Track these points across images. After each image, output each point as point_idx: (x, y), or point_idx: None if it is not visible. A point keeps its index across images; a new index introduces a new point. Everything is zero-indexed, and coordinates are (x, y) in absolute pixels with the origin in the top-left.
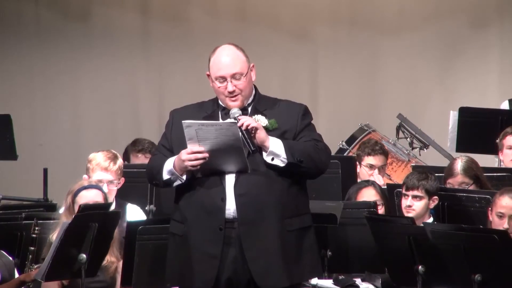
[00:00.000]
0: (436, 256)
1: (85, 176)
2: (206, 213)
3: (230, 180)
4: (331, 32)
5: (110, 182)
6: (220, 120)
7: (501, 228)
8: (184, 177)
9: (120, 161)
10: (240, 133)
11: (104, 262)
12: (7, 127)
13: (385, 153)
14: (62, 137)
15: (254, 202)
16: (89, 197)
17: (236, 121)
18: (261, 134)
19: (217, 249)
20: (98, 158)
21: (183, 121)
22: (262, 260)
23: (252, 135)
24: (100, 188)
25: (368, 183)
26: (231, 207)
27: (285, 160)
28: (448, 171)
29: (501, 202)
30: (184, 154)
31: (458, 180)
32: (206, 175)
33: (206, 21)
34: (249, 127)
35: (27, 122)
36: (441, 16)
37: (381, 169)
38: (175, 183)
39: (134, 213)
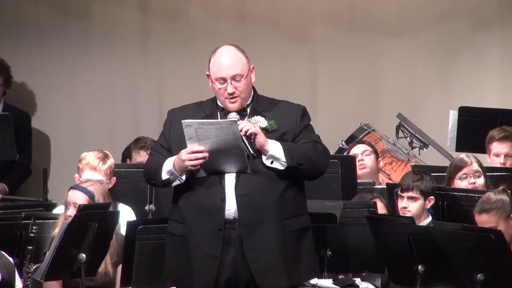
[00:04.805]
0: (437, 255)
1: (76, 175)
2: (206, 214)
3: (230, 180)
4: (330, 32)
5: (99, 182)
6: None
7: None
8: (184, 177)
9: (110, 161)
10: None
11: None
12: (7, 127)
13: None
14: (62, 137)
15: (255, 203)
16: (72, 197)
17: (236, 119)
18: (260, 139)
19: (217, 250)
20: (88, 157)
21: (182, 121)
22: (263, 260)
23: (251, 140)
24: (85, 191)
25: (374, 196)
26: (231, 208)
27: (285, 164)
28: (459, 162)
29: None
30: (184, 154)
31: (473, 168)
32: (205, 175)
33: (206, 21)
34: (248, 133)
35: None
36: (441, 17)
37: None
38: (174, 183)
39: (125, 213)
